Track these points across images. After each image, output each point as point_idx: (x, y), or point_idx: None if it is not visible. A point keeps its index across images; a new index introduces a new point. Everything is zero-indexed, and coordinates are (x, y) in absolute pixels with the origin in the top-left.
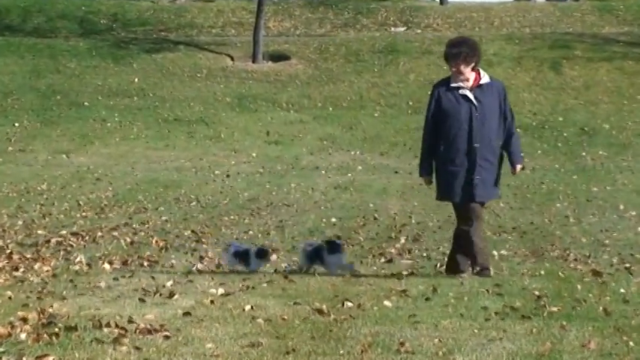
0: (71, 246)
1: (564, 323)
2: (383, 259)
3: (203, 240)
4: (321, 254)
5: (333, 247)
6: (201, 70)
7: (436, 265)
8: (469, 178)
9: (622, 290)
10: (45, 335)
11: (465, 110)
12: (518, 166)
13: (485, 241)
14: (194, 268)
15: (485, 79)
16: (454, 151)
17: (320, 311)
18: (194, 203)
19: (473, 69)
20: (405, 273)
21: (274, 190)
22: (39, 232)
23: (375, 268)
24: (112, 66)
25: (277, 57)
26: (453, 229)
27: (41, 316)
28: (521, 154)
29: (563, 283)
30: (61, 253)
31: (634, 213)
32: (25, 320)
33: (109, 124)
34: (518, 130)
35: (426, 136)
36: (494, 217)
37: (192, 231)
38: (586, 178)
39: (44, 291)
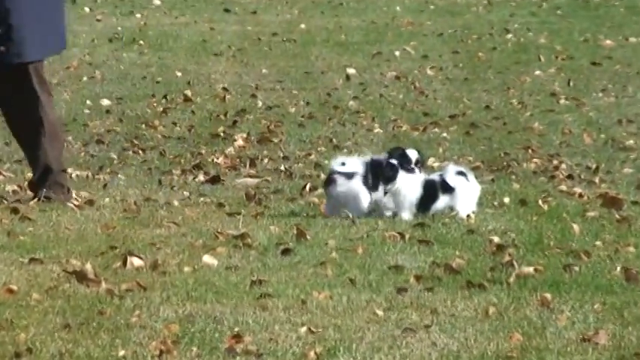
0: None
1: (548, 297)
2: (202, 176)
3: None
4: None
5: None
6: None
7: (304, 187)
8: None
9: None
10: None
11: None
12: None
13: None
14: None
15: None
16: None
17: (81, 276)
18: None
19: None
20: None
21: None
22: None
23: (187, 192)
24: None
25: None
26: None
27: None
28: None
29: (548, 220)
30: None
31: None
32: None
33: None
34: None
35: None
36: (417, 95)
37: None
38: (592, 19)
39: None
